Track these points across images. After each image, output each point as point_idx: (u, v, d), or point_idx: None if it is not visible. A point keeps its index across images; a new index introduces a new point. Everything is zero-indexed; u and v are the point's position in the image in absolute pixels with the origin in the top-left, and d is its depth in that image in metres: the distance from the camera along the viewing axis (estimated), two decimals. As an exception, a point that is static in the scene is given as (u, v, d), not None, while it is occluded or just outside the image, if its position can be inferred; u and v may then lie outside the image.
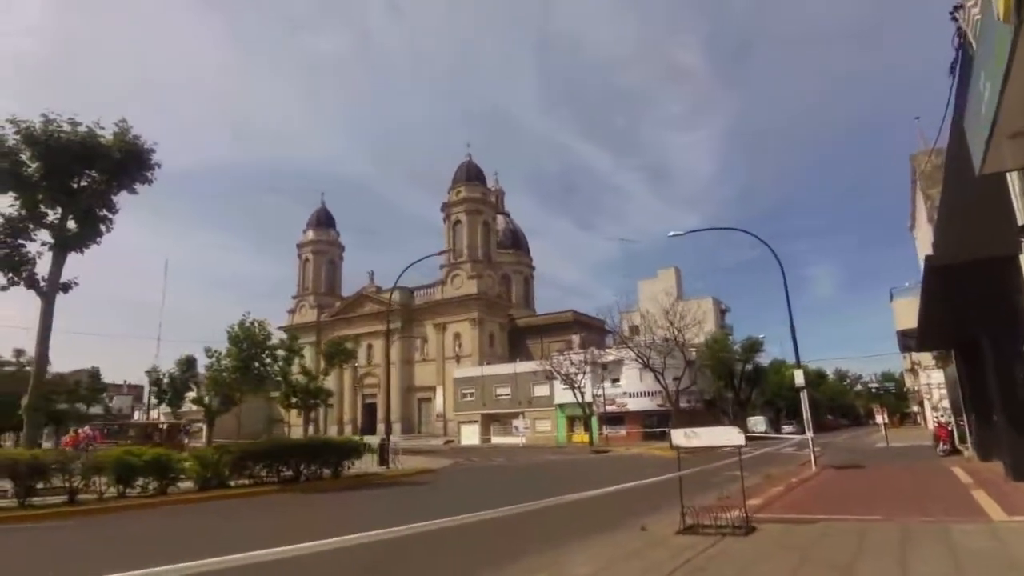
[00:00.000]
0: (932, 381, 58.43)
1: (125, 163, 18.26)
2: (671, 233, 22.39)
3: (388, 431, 38.46)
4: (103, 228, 19.03)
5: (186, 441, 33.53)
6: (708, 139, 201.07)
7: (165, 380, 53.80)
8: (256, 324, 29.81)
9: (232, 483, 16.71)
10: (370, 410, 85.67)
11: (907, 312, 19.97)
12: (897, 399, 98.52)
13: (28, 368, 45.36)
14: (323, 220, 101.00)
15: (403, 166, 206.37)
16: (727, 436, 9.42)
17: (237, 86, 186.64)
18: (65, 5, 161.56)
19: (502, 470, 26.77)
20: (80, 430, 32.37)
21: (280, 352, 45.11)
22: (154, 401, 56.19)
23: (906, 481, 14.38)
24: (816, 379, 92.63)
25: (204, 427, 60.63)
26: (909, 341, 22.32)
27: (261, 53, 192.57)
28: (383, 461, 25.71)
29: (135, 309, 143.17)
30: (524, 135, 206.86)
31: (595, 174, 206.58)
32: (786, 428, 63.09)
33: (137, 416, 72.12)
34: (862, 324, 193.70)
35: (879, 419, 41.44)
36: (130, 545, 10.29)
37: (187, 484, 15.92)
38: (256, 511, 13.96)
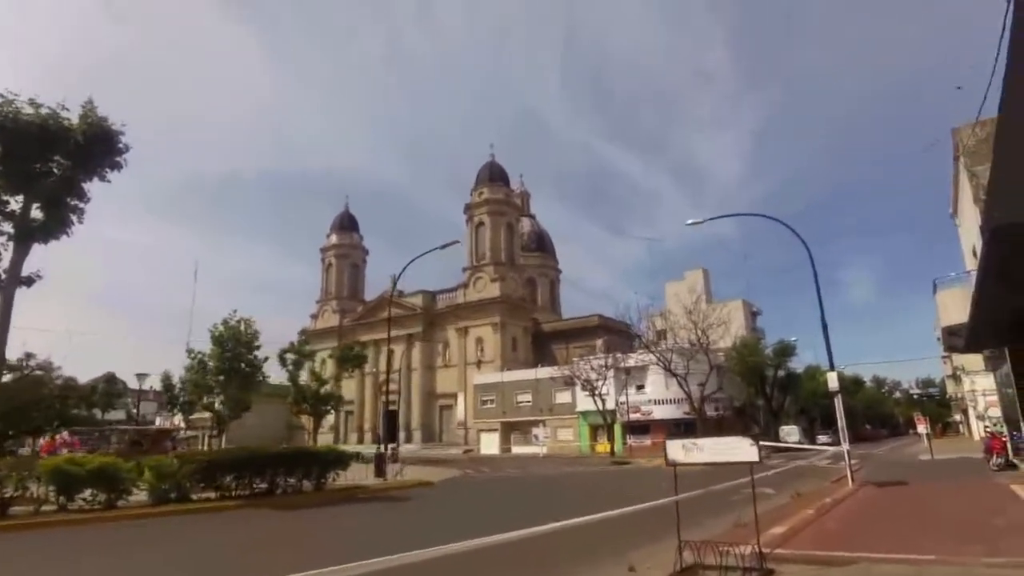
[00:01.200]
0: (977, 387, 54.79)
1: (90, 147, 16.93)
2: (689, 221, 20.38)
3: (383, 440, 37.11)
4: (73, 218, 17.75)
5: (172, 448, 32.24)
6: (736, 141, 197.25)
7: (177, 385, 53.03)
8: (242, 323, 28.23)
9: (195, 496, 15.17)
10: (391, 417, 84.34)
11: (953, 305, 17.66)
12: (939, 407, 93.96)
13: (39, 372, 45.19)
14: (346, 224, 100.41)
15: (435, 172, 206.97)
16: (737, 450, 7.43)
17: (270, 95, 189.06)
18: (98, 14, 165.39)
19: (506, 484, 24.87)
20: (58, 436, 31.41)
21: (289, 356, 44.19)
22: (169, 407, 55.88)
23: (961, 503, 12.13)
24: (852, 386, 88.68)
25: (203, 435, 60.29)
26: (955, 340, 19.92)
27: (293, 60, 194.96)
28: (380, 472, 24.08)
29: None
30: (552, 140, 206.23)
31: (624, 178, 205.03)
32: (821, 438, 59.82)
33: (159, 422, 71.96)
34: (902, 329, 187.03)
35: (921, 428, 38.40)
36: None
37: (142, 497, 14.42)
38: (194, 530, 12.30)
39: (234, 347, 26.99)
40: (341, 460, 18.99)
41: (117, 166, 17.81)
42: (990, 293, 11.70)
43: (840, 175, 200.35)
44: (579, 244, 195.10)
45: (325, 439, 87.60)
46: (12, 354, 43.52)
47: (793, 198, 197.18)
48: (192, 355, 28.87)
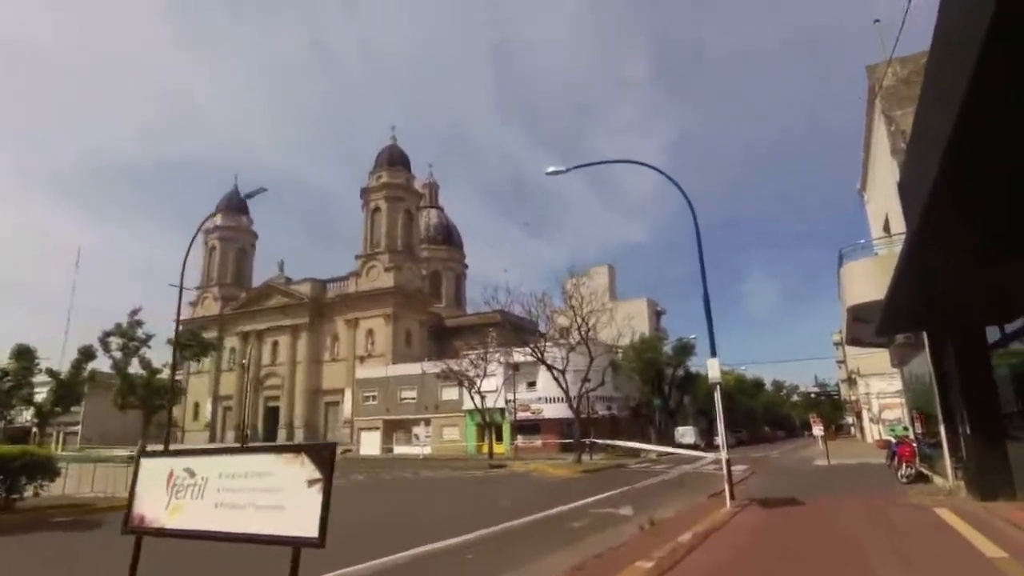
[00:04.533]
0: (873, 390, 54.50)
1: None
2: (549, 169, 16.15)
3: (246, 439, 31.24)
4: None
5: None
6: (654, 150, 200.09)
7: (-1, 375, 44.60)
8: None
9: None
10: (272, 414, 77.16)
11: (861, 281, 14.26)
12: (833, 409, 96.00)
13: None
14: (234, 205, 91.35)
15: (356, 169, 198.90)
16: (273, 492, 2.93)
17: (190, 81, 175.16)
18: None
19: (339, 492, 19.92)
20: None
21: (114, 340, 37.46)
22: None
23: (878, 542, 8.33)
24: (753, 388, 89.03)
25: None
26: (860, 328, 16.69)
27: (214, 48, 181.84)
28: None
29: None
30: (476, 143, 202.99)
31: (544, 183, 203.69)
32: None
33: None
34: (799, 334, 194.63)
35: (816, 430, 36.38)
36: None
37: None
38: None
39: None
40: (41, 467, 13.48)
41: None
42: (917, 264, 8.07)
43: (750, 189, 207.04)
44: (499, 245, 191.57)
45: (199, 437, 79.35)
46: None
47: (706, 211, 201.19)
48: None
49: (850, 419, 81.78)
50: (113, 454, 44.13)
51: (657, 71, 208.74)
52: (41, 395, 44.95)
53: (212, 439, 76.91)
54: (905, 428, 21.39)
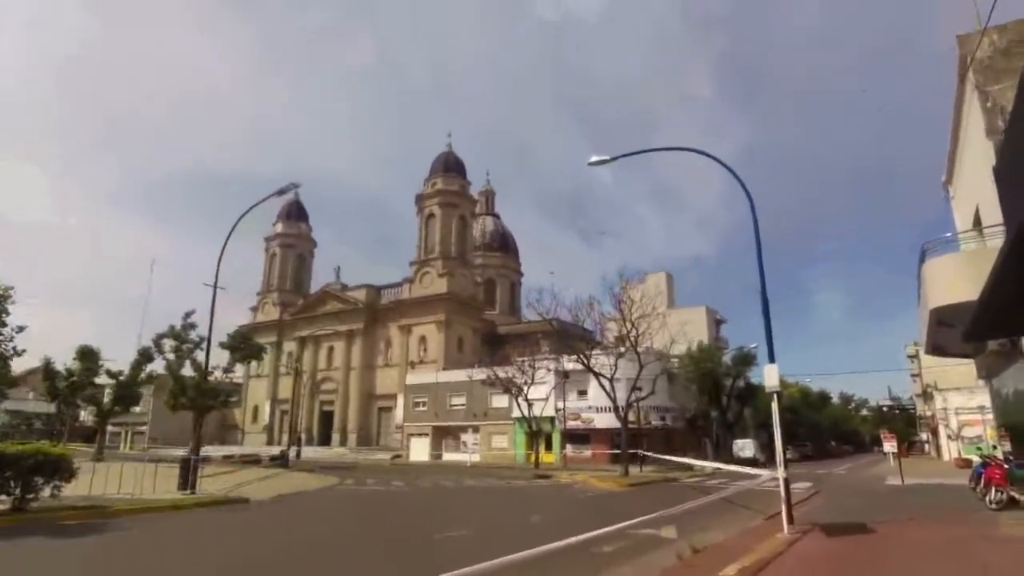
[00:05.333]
0: (951, 405, 50.74)
1: None
2: (592, 159, 15.05)
3: (293, 442, 31.22)
4: None
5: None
6: (715, 164, 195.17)
7: (63, 375, 46.36)
8: None
9: None
10: (327, 418, 78.13)
11: (946, 280, 12.59)
12: (906, 425, 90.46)
13: None
14: (294, 213, 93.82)
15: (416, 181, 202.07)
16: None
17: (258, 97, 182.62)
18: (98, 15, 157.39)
19: (360, 504, 19.19)
20: None
21: (168, 342, 38.20)
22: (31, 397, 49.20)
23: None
24: (819, 402, 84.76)
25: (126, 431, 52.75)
26: (943, 334, 14.92)
27: (286, 63, 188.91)
28: (185, 483, 18.35)
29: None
30: (536, 155, 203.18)
31: (605, 194, 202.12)
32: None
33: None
34: (870, 349, 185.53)
35: (888, 446, 33.67)
36: None
37: None
38: None
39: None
40: (54, 466, 13.12)
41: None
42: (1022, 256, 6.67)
43: (817, 202, 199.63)
44: (557, 255, 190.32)
45: (259, 439, 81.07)
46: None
47: (772, 224, 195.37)
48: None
49: (924, 436, 76.71)
50: (169, 454, 45.53)
51: (720, 87, 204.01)
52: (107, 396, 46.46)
53: (270, 441, 78.28)
54: (994, 447, 19.13)
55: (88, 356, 45.00)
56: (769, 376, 12.03)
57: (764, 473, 19.67)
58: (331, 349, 79.52)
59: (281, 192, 19.78)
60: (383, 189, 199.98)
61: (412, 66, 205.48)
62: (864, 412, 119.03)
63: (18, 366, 53.31)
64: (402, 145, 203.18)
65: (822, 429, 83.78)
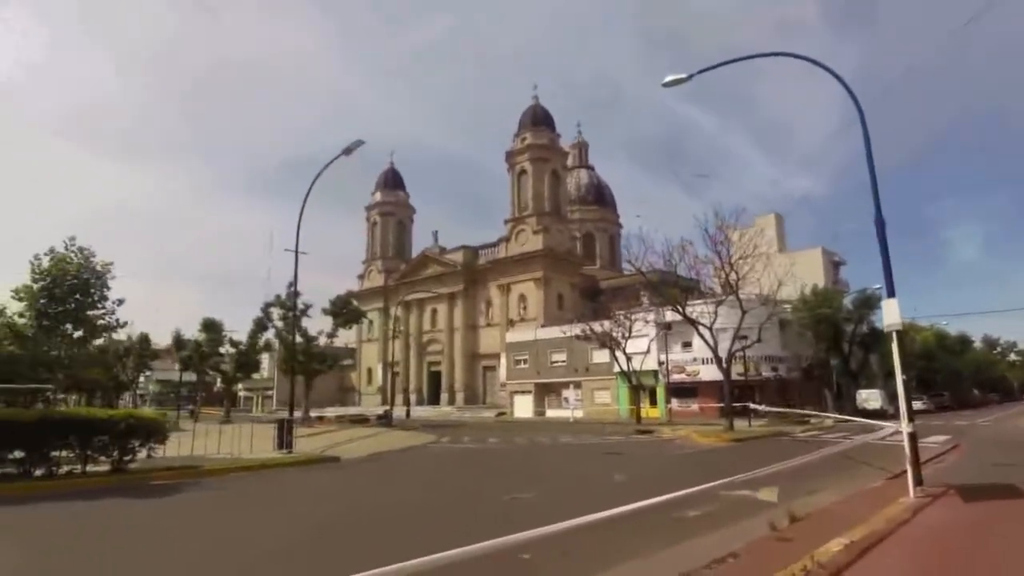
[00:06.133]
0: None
1: None
2: (667, 79, 13.28)
3: (389, 401, 31.75)
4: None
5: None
6: (826, 93, 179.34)
7: (191, 347, 49.98)
8: (77, 252, 21.70)
9: None
10: (435, 378, 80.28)
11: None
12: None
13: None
14: (391, 181, 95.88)
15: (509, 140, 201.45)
16: None
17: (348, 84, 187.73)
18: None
19: (432, 462, 18.80)
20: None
21: (275, 310, 39.81)
22: (173, 367, 53.24)
23: None
24: (959, 346, 77.08)
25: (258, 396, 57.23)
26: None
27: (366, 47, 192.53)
28: (282, 442, 18.74)
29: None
30: (626, 99, 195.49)
31: (702, 137, 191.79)
32: (915, 404, 50.57)
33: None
34: (1018, 282, 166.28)
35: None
36: None
37: None
38: None
39: (60, 284, 19.95)
40: (147, 429, 13.44)
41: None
42: None
43: (941, 122, 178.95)
44: (658, 205, 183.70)
45: (374, 400, 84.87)
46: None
47: (890, 151, 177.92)
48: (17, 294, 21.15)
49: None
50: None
51: (824, 8, 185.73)
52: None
53: (384, 402, 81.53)
54: None
55: (211, 328, 48.10)
56: (888, 312, 10.11)
57: (889, 426, 17.44)
58: (435, 312, 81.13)
59: (348, 151, 19.35)
60: (478, 152, 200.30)
61: (491, 30, 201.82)
62: (1012, 357, 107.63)
63: (161, 340, 58.49)
64: (495, 108, 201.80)
65: (963, 376, 76.24)
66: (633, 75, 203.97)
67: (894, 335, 9.74)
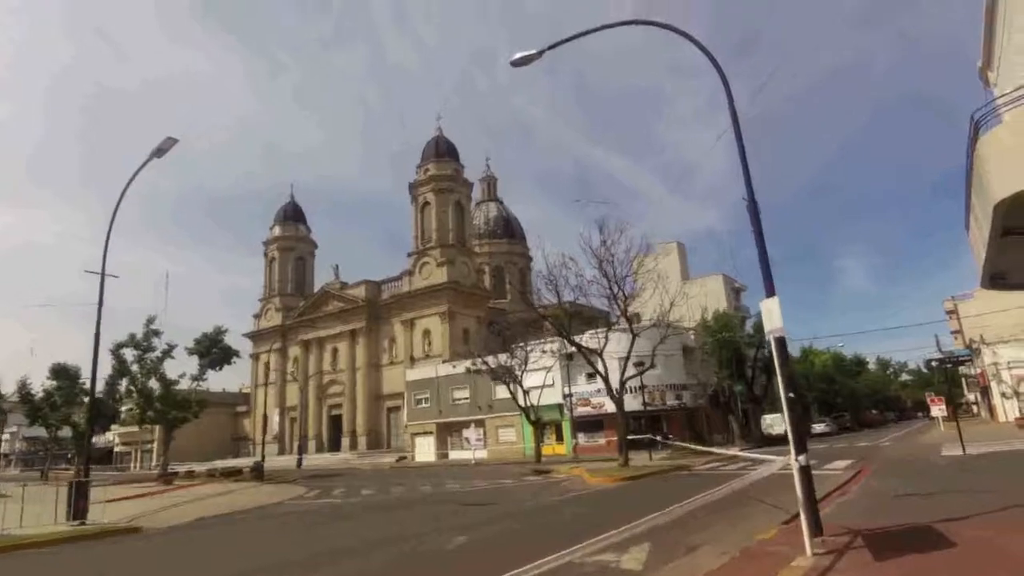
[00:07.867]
0: (1002, 360, 45.80)
1: None
2: (515, 57, 11.19)
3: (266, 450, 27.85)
4: None
5: None
6: (722, 132, 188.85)
7: (38, 396, 43.71)
8: None
9: None
10: (336, 422, 75.13)
11: (1011, 160, 8.52)
12: (951, 387, 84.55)
13: None
14: (290, 215, 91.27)
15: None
16: None
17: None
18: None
19: (258, 530, 15.42)
20: None
21: (128, 351, 34.98)
22: (25, 421, 46.48)
23: None
24: (855, 367, 79.70)
25: (136, 451, 50.13)
26: (1007, 250, 10.89)
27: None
28: (77, 512, 14.92)
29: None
30: (536, 141, 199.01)
31: (609, 177, 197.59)
32: (816, 427, 50.74)
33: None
34: (906, 311, 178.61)
35: (936, 410, 29.46)
36: None
37: None
38: None
39: None
40: None
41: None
42: None
43: (829, 160, 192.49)
44: (567, 240, 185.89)
45: (270, 448, 78.33)
46: None
47: (783, 188, 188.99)
48: None
49: (970, 396, 71.37)
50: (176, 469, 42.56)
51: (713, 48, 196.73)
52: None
53: (281, 451, 75.64)
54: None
55: (63, 374, 42.22)
56: (768, 315, 8.04)
57: (778, 460, 15.69)
58: (335, 351, 76.54)
59: (160, 152, 16.11)
60: (384, 186, 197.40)
61: (399, 58, 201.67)
62: (904, 376, 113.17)
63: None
64: (402, 143, 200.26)
65: (860, 397, 78.66)
66: (543, 117, 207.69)
67: (774, 343, 7.67)
